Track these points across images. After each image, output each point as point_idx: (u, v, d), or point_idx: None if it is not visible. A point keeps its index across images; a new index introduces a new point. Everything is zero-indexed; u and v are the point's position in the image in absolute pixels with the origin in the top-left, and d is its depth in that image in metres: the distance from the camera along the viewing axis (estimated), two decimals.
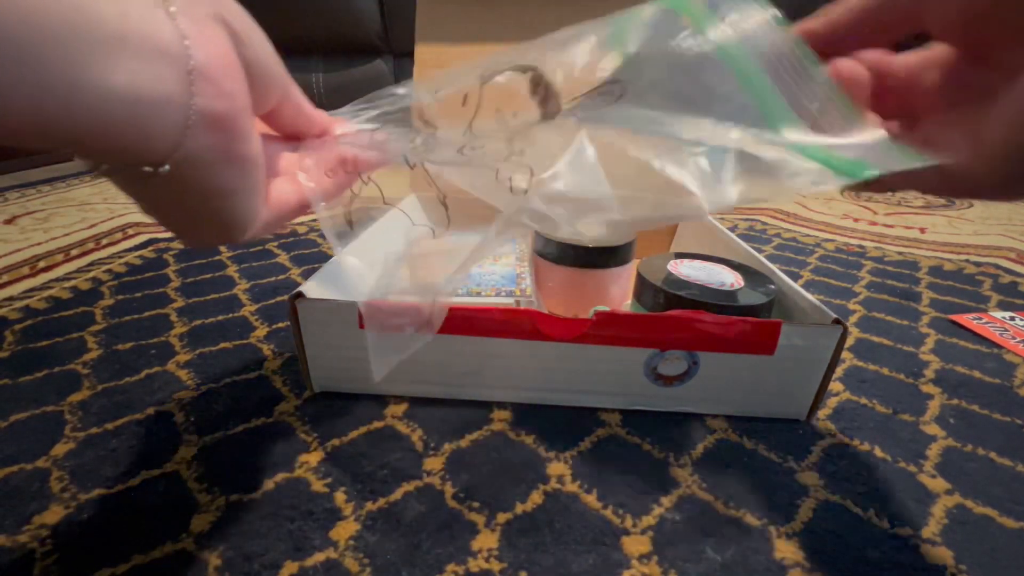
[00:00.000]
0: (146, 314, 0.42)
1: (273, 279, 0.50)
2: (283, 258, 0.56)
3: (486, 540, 0.22)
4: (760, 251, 0.59)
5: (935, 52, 0.18)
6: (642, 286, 0.33)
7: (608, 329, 0.28)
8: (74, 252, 0.57)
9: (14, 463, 0.26)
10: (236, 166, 0.16)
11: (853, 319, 0.44)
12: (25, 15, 0.11)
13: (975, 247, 0.63)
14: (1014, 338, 0.40)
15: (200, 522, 0.23)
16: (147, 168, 0.15)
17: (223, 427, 0.29)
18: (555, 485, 0.25)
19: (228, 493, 0.25)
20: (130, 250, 0.58)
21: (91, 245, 0.59)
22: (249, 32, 0.17)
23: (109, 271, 0.51)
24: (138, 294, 0.46)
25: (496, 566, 0.21)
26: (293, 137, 0.22)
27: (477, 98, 0.23)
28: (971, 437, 0.30)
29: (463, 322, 0.29)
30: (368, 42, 1.08)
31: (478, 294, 0.34)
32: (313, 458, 0.27)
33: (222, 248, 0.58)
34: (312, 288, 0.30)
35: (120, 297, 0.46)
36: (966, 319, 0.43)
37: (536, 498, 0.25)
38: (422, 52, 0.54)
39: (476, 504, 0.24)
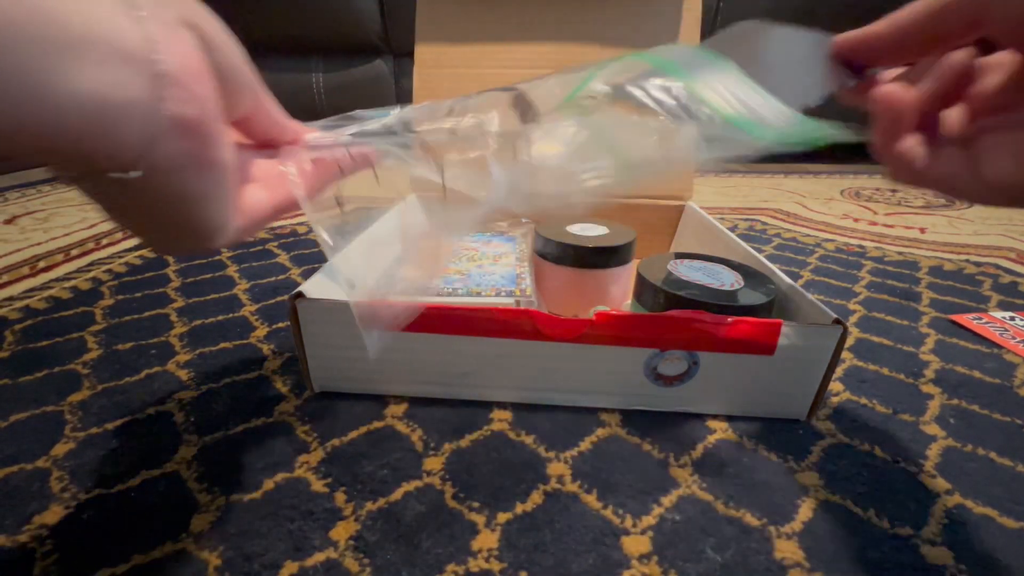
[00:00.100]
0: (146, 314, 0.42)
1: (273, 279, 0.50)
2: (283, 258, 0.56)
3: (486, 540, 0.22)
4: (760, 251, 0.59)
5: (997, 57, 0.18)
6: (642, 286, 0.33)
7: (608, 329, 0.28)
8: (74, 252, 0.57)
9: (14, 463, 0.26)
10: (206, 172, 0.16)
11: (853, 319, 0.44)
12: None
13: (975, 247, 0.63)
14: (1014, 338, 0.40)
15: (200, 522, 0.23)
16: (115, 174, 0.14)
17: (223, 427, 0.29)
18: (555, 485, 0.25)
19: (228, 493, 0.25)
20: (130, 250, 0.58)
21: (91, 245, 0.59)
22: (219, 37, 0.16)
23: (109, 271, 0.51)
24: (138, 294, 0.46)
25: (496, 566, 0.21)
26: (266, 144, 0.22)
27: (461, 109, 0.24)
28: (971, 437, 0.30)
29: (463, 322, 0.29)
30: (368, 42, 1.08)
31: (478, 294, 0.34)
32: (313, 458, 0.27)
33: (223, 248, 0.58)
34: (312, 288, 0.30)
35: (120, 297, 0.46)
36: (966, 319, 0.43)
37: (536, 498, 0.25)
38: (422, 52, 0.54)
39: (476, 504, 0.24)
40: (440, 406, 0.31)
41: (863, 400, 0.33)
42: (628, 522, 0.23)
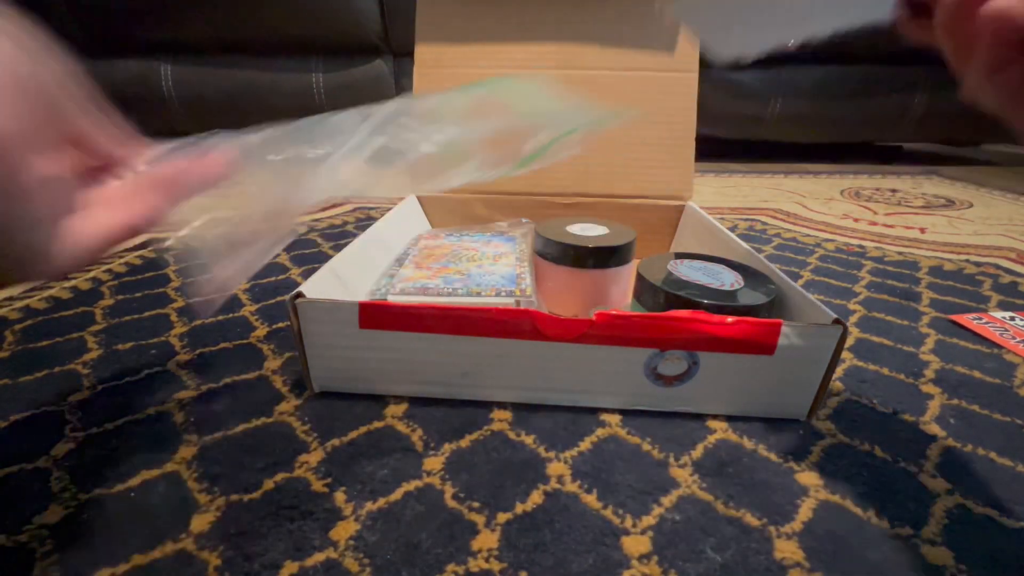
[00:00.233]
0: (146, 314, 0.42)
1: (273, 279, 0.50)
2: (283, 258, 0.56)
3: (486, 540, 0.22)
4: (760, 251, 0.59)
5: None
6: (642, 286, 0.33)
7: (608, 329, 0.28)
8: None
9: (14, 463, 0.26)
10: (14, 197, 0.15)
11: (853, 319, 0.44)
12: None
13: (975, 247, 0.63)
14: (1014, 338, 0.40)
15: (200, 522, 0.23)
16: None
17: (223, 427, 0.29)
18: (555, 485, 0.25)
19: (228, 493, 0.25)
20: (130, 250, 0.58)
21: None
22: (34, 50, 0.15)
23: (109, 271, 0.51)
24: (138, 294, 0.46)
25: (496, 566, 0.21)
26: (107, 163, 0.20)
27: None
28: (971, 437, 0.30)
29: (463, 322, 0.29)
30: (368, 42, 1.08)
31: (478, 294, 0.34)
32: (313, 458, 0.27)
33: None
34: (312, 288, 0.30)
35: (120, 297, 0.46)
36: (966, 319, 0.43)
37: (536, 498, 0.25)
38: (422, 52, 0.54)
39: (476, 504, 0.24)
40: (440, 406, 0.31)
41: (863, 400, 0.33)
42: (628, 522, 0.23)
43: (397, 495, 0.25)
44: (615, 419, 0.30)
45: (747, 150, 1.32)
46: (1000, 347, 0.39)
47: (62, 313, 0.42)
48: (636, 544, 0.22)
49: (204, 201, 0.22)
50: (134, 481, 0.25)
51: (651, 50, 0.52)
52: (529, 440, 0.29)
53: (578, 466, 0.27)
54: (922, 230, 0.70)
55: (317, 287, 0.30)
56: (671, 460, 0.27)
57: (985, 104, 0.18)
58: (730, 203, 0.84)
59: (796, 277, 0.53)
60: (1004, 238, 0.66)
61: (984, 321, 0.43)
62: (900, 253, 0.61)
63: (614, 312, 0.28)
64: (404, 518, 0.24)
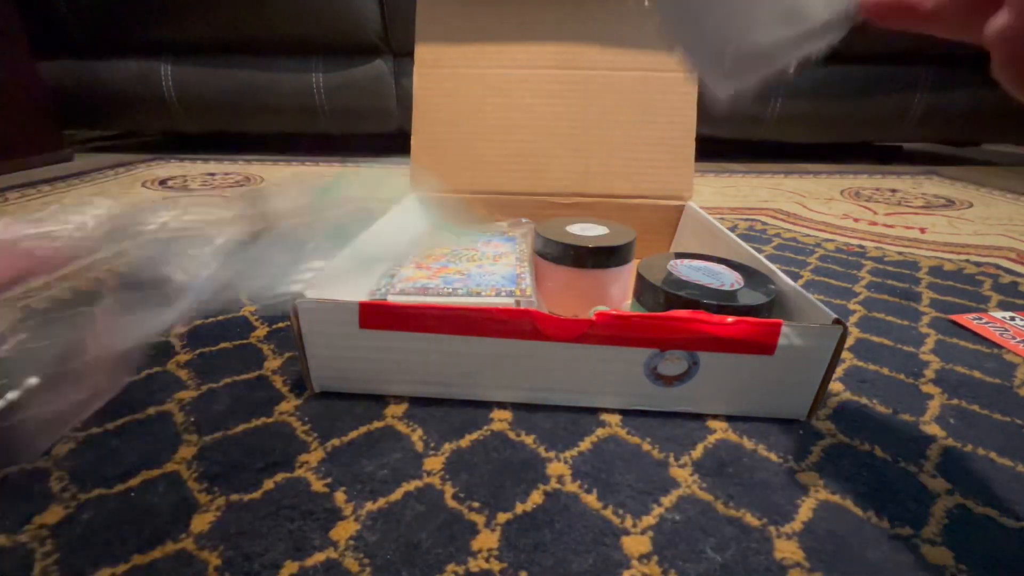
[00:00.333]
0: None
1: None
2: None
3: (486, 540, 0.22)
4: (760, 251, 0.59)
5: None
6: (642, 286, 0.33)
7: (608, 329, 0.28)
8: None
9: (14, 463, 0.26)
10: None
11: (853, 319, 0.44)
12: None
13: (975, 247, 0.63)
14: (1014, 338, 0.40)
15: (200, 522, 0.23)
16: None
17: (223, 427, 0.29)
18: (555, 485, 0.25)
19: (228, 493, 0.25)
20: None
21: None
22: None
23: (109, 271, 0.51)
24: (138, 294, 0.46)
25: (496, 566, 0.21)
26: None
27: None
28: (971, 437, 0.30)
29: (463, 322, 0.29)
30: (368, 42, 1.08)
31: (478, 294, 0.34)
32: (313, 458, 0.27)
33: None
34: (312, 288, 0.30)
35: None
36: (966, 319, 0.43)
37: (536, 498, 0.25)
38: (422, 52, 0.54)
39: (476, 504, 0.24)
40: (440, 406, 0.31)
41: (863, 400, 0.33)
42: (628, 522, 0.23)
43: (397, 495, 0.25)
44: (615, 419, 0.30)
45: (747, 150, 1.32)
46: (1000, 347, 0.39)
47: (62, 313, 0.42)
48: (636, 544, 0.22)
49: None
50: (134, 481, 0.25)
51: (651, 50, 0.52)
52: (529, 440, 0.29)
53: (578, 466, 0.27)
54: (922, 230, 0.70)
55: (317, 287, 0.30)
56: (671, 460, 0.27)
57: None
58: (730, 203, 0.84)
59: (796, 277, 0.53)
60: (1004, 238, 0.66)
61: (984, 321, 0.43)
62: (900, 253, 0.61)
63: (614, 312, 0.28)
64: (404, 518, 0.24)
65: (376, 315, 0.29)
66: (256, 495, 0.25)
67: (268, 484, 0.25)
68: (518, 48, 0.53)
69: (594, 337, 0.29)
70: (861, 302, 0.47)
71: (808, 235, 0.67)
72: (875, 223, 0.73)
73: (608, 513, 0.24)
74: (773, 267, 0.35)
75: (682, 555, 0.22)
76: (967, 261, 0.58)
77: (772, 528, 0.23)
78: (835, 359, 0.28)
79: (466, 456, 0.27)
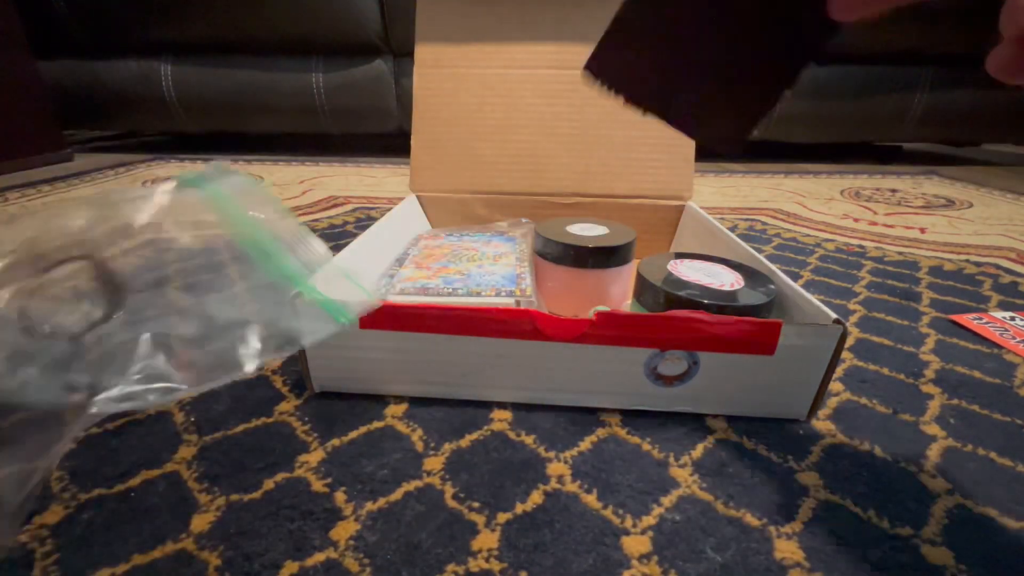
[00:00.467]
0: None
1: None
2: None
3: (486, 540, 0.22)
4: (760, 251, 0.59)
5: None
6: (642, 286, 0.33)
7: (608, 329, 0.28)
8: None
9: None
10: None
11: (853, 319, 0.44)
12: None
13: (975, 247, 0.63)
14: (1014, 338, 0.40)
15: (200, 522, 0.23)
16: None
17: (223, 427, 0.29)
18: (555, 485, 0.25)
19: (228, 493, 0.25)
20: (130, 250, 0.58)
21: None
22: None
23: None
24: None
25: (496, 566, 0.21)
26: None
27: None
28: (971, 437, 0.30)
29: (463, 322, 0.29)
30: (368, 42, 1.08)
31: (478, 294, 0.34)
32: (313, 458, 0.27)
33: None
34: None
35: None
36: (966, 319, 0.43)
37: (536, 498, 0.25)
38: (422, 52, 0.54)
39: (476, 504, 0.24)
40: (440, 406, 0.31)
41: (863, 400, 0.33)
42: (628, 522, 0.23)
43: (397, 495, 0.25)
44: (615, 419, 0.30)
45: (747, 150, 1.32)
46: (1000, 347, 0.39)
47: None
48: (636, 544, 0.22)
49: None
50: (134, 481, 0.25)
51: None
52: (529, 440, 0.29)
53: (578, 466, 0.27)
54: (922, 230, 0.70)
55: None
56: (671, 460, 0.27)
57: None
58: (730, 203, 0.84)
59: (796, 277, 0.53)
60: (1004, 238, 0.66)
61: (984, 321, 0.43)
62: (900, 253, 0.61)
63: (614, 312, 0.28)
64: (404, 518, 0.24)
65: (376, 315, 0.29)
66: (256, 495, 0.25)
67: (268, 484, 0.25)
68: (518, 48, 0.53)
69: (594, 337, 0.29)
70: (861, 302, 0.47)
71: (808, 235, 0.67)
72: (875, 223, 0.73)
73: (608, 513, 0.24)
74: (773, 267, 0.35)
75: (682, 555, 0.22)
76: (967, 261, 0.58)
77: (772, 528, 0.23)
78: (835, 359, 0.28)
79: (466, 456, 0.27)
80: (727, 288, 0.32)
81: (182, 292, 0.23)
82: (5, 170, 0.95)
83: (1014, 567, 0.22)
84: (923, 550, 0.22)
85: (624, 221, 0.44)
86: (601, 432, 0.29)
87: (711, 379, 0.30)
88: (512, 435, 0.29)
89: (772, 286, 0.32)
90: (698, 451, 0.28)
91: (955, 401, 0.33)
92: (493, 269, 0.38)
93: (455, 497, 0.25)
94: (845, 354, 0.38)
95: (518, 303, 0.34)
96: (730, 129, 0.22)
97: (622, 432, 0.29)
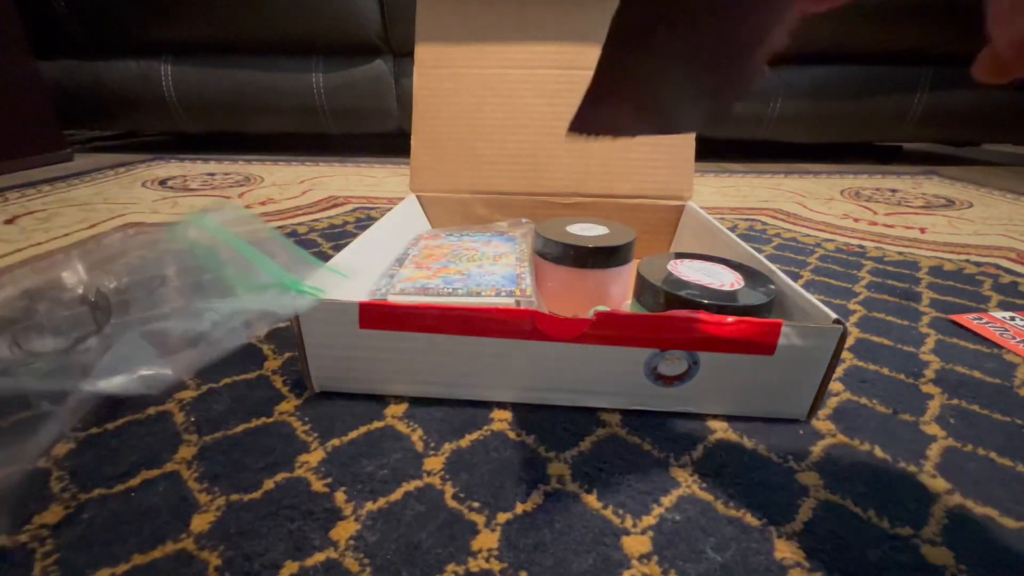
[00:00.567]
0: None
1: None
2: None
3: (486, 540, 0.22)
4: (760, 251, 0.59)
5: None
6: (642, 286, 0.33)
7: (608, 329, 0.28)
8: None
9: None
10: None
11: (853, 319, 0.44)
12: None
13: (975, 247, 0.63)
14: (1014, 338, 0.40)
15: (200, 522, 0.23)
16: None
17: (223, 427, 0.29)
18: (555, 485, 0.25)
19: (228, 493, 0.25)
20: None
21: (91, 245, 0.59)
22: None
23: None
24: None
25: (496, 566, 0.21)
26: None
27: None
28: (971, 437, 0.30)
29: (463, 322, 0.29)
30: (368, 42, 1.08)
31: (478, 294, 0.34)
32: (313, 458, 0.27)
33: None
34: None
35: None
36: (966, 319, 0.43)
37: (536, 498, 0.25)
38: (422, 52, 0.54)
39: (476, 504, 0.24)
40: (440, 406, 0.31)
41: (863, 400, 0.33)
42: (628, 522, 0.23)
43: (397, 495, 0.25)
44: (615, 419, 0.30)
45: (747, 150, 1.32)
46: (1000, 347, 0.39)
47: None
48: (636, 544, 0.22)
49: None
50: (134, 481, 0.25)
51: None
52: (529, 440, 0.29)
53: (578, 466, 0.27)
54: (922, 230, 0.70)
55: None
56: (671, 460, 0.27)
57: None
58: (730, 203, 0.84)
59: (796, 277, 0.53)
60: (1004, 238, 0.66)
61: (984, 321, 0.43)
62: (900, 253, 0.61)
63: (614, 312, 0.28)
64: (404, 518, 0.24)
65: (376, 315, 0.29)
66: (256, 495, 0.25)
67: (268, 484, 0.25)
68: (518, 48, 0.53)
69: (594, 337, 0.29)
70: (861, 302, 0.47)
71: (808, 235, 0.67)
72: (875, 223, 0.73)
73: (608, 513, 0.24)
74: (773, 267, 0.35)
75: (682, 555, 0.22)
76: (967, 261, 0.58)
77: (772, 528, 0.23)
78: (835, 359, 0.28)
79: (466, 456, 0.27)
80: (727, 288, 0.32)
81: (175, 292, 0.25)
82: (5, 170, 0.95)
83: (1014, 567, 0.22)
84: (923, 550, 0.22)
85: (624, 221, 0.44)
86: (601, 432, 0.29)
87: (711, 379, 0.30)
88: (512, 435, 0.29)
89: (772, 286, 0.32)
90: (698, 451, 0.28)
91: (955, 401, 0.33)
92: (493, 269, 0.38)
93: (455, 497, 0.25)
94: (845, 354, 0.38)
95: (518, 303, 0.34)
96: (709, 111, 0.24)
97: (622, 432, 0.29)
